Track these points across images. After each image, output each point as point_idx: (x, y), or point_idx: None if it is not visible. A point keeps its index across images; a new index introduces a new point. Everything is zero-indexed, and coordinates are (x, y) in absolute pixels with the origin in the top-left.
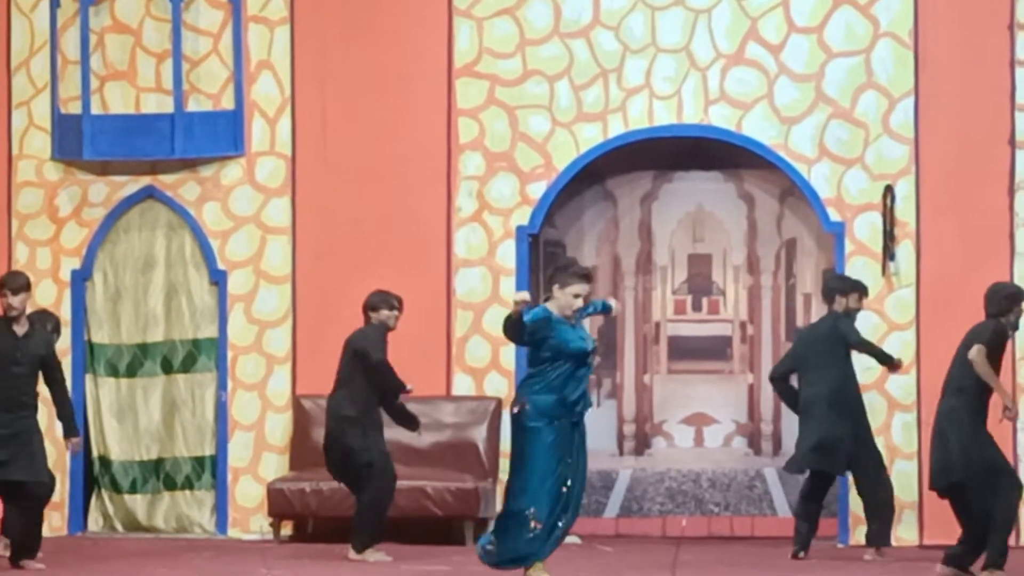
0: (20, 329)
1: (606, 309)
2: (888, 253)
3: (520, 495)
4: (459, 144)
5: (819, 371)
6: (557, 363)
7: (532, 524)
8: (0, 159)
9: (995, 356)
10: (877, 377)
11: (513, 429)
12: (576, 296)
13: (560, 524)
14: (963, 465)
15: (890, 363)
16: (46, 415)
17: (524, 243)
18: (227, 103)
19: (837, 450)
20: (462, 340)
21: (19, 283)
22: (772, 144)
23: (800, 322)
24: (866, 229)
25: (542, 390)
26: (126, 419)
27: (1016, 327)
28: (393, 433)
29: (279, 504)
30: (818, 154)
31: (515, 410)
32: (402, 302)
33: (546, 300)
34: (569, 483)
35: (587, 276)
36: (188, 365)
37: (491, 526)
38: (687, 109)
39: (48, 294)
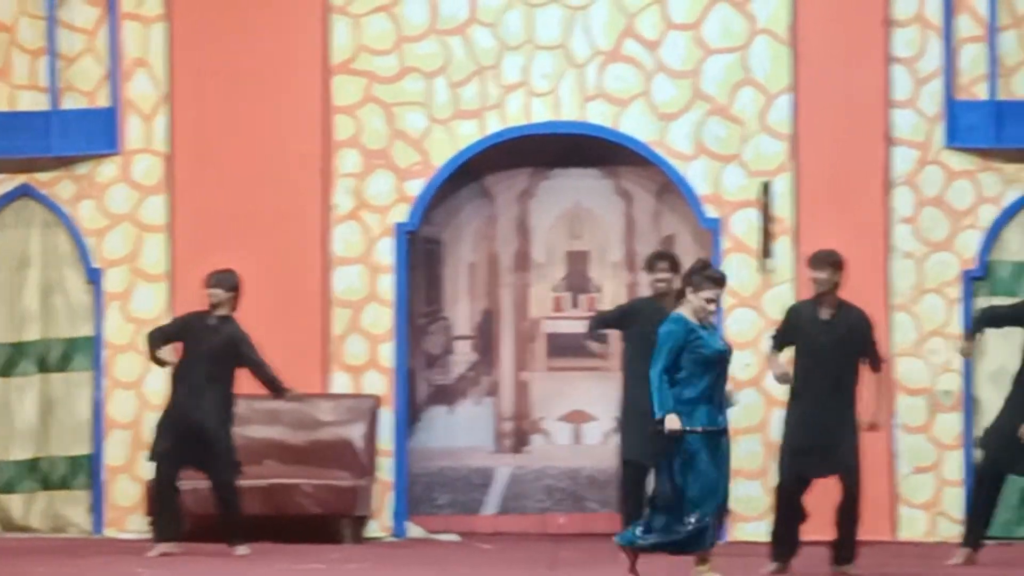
0: None
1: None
2: (765, 250)
3: (695, 508)
4: (336, 141)
5: None
6: (699, 369)
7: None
8: None
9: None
10: (756, 374)
11: (666, 444)
12: (709, 301)
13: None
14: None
15: None
16: None
17: (402, 240)
18: (103, 101)
19: None
20: (340, 338)
21: None
22: (649, 141)
23: None
24: (743, 225)
25: (688, 400)
26: (1, 418)
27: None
28: (270, 432)
29: None
30: (695, 151)
31: (668, 429)
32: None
33: (678, 305)
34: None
35: (720, 280)
36: (64, 364)
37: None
38: (565, 106)
39: None
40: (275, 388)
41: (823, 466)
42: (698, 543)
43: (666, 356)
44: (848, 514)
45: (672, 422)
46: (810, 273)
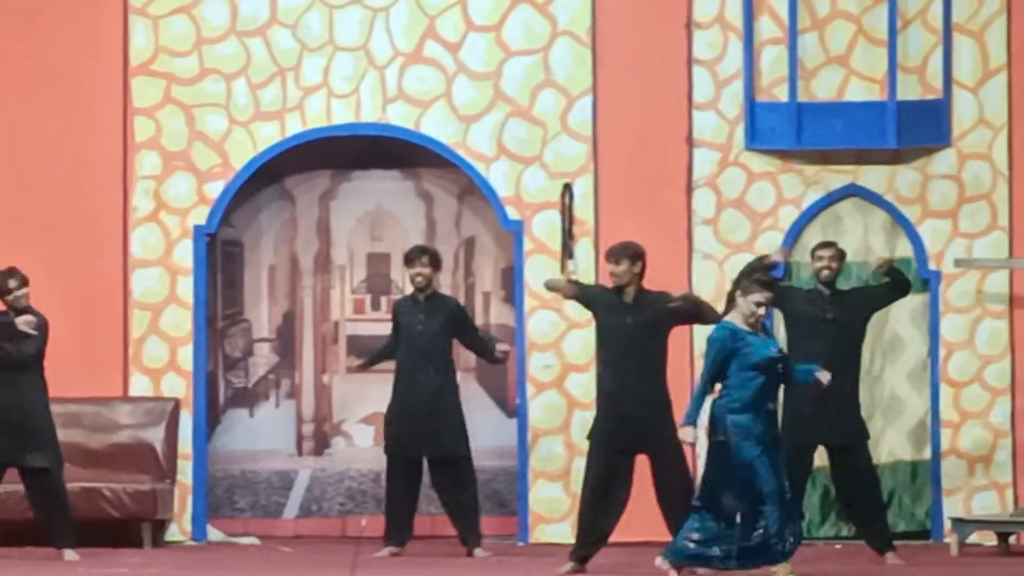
0: None
1: (806, 381)
2: (567, 251)
3: (759, 517)
4: (135, 143)
5: None
6: (748, 376)
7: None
8: None
9: None
10: (557, 376)
11: (722, 456)
12: (758, 305)
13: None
14: None
15: None
16: None
17: (201, 243)
18: None
19: None
20: (139, 341)
21: None
22: (451, 143)
23: (479, 321)
24: (545, 227)
25: (740, 409)
26: None
27: None
28: (69, 435)
29: None
30: (496, 153)
31: (720, 438)
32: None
33: (726, 312)
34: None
35: (770, 284)
36: None
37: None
38: (365, 108)
39: None
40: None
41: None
42: (768, 554)
43: (709, 366)
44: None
45: (686, 434)
46: (608, 267)
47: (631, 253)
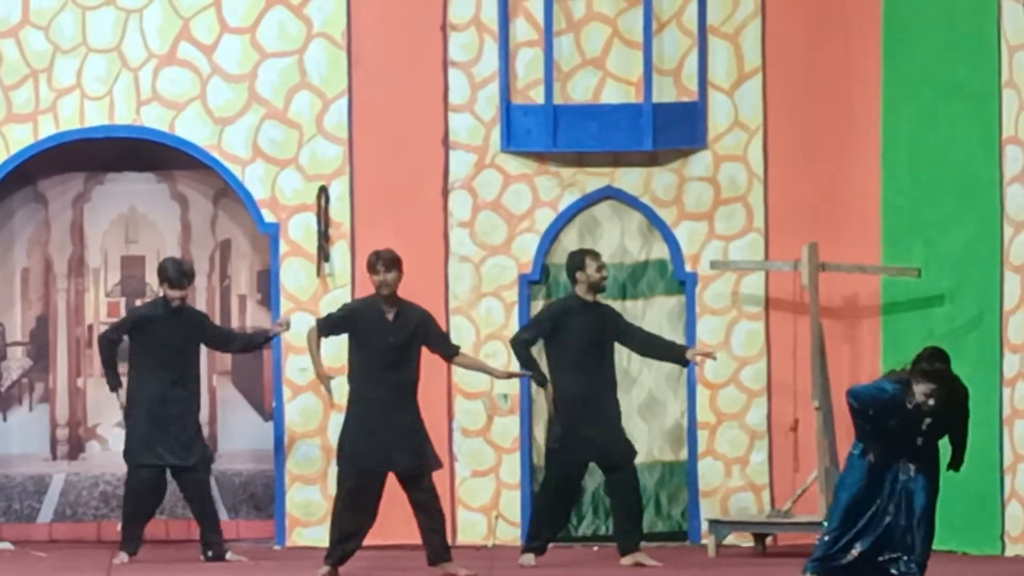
0: None
1: None
2: (323, 254)
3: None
4: None
5: None
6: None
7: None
8: None
9: None
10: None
11: None
12: (927, 396)
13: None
14: None
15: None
16: None
17: None
18: None
19: None
20: None
21: None
22: (205, 145)
23: (235, 323)
24: (301, 230)
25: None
26: None
27: None
28: None
29: None
30: (252, 155)
31: None
32: None
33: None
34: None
35: (931, 375)
36: None
37: None
38: (119, 110)
39: None
40: None
41: (395, 460)
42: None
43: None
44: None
45: None
46: (378, 275)
47: (398, 260)
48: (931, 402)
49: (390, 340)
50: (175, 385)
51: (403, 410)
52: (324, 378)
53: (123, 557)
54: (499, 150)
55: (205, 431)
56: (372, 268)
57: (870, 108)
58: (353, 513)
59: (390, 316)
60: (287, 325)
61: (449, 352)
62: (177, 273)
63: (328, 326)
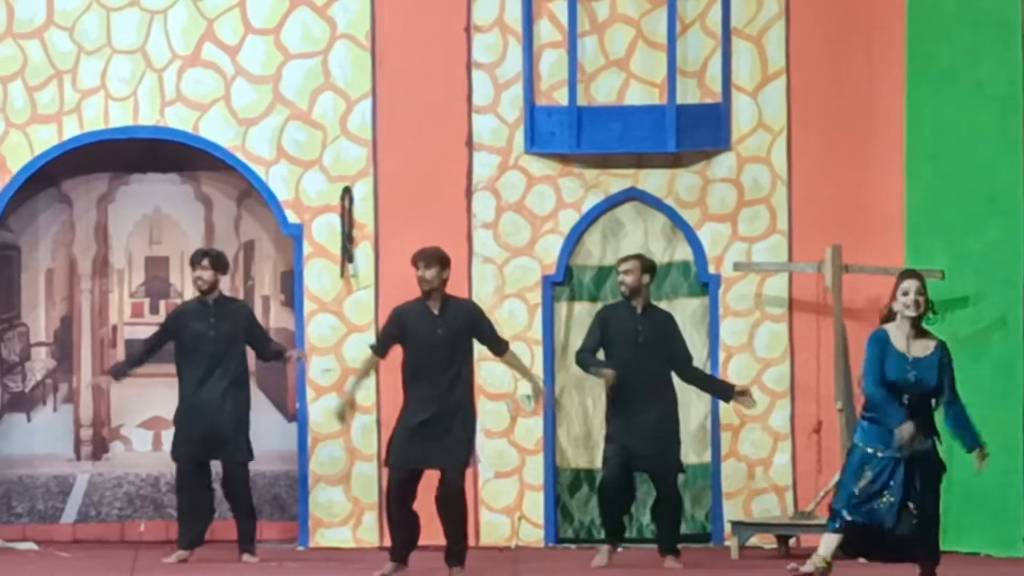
0: None
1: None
2: (347, 255)
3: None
4: None
5: None
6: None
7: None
8: None
9: None
10: (337, 380)
11: None
12: (904, 294)
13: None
14: None
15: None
16: None
17: None
18: None
19: None
20: None
21: None
22: (229, 146)
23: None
24: (324, 231)
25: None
26: None
27: None
28: None
29: None
30: (276, 156)
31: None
32: None
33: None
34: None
35: (906, 272)
36: None
37: None
38: (143, 111)
39: None
40: None
41: (431, 457)
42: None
43: (876, 369)
44: (454, 510)
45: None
46: (419, 272)
47: (440, 257)
48: (917, 298)
49: (439, 332)
50: (209, 378)
51: (453, 408)
52: (348, 404)
53: (179, 555)
54: (523, 151)
55: None
56: (414, 265)
57: (893, 110)
58: (399, 509)
59: (435, 310)
60: (304, 357)
61: (499, 348)
62: (196, 253)
63: (381, 341)
